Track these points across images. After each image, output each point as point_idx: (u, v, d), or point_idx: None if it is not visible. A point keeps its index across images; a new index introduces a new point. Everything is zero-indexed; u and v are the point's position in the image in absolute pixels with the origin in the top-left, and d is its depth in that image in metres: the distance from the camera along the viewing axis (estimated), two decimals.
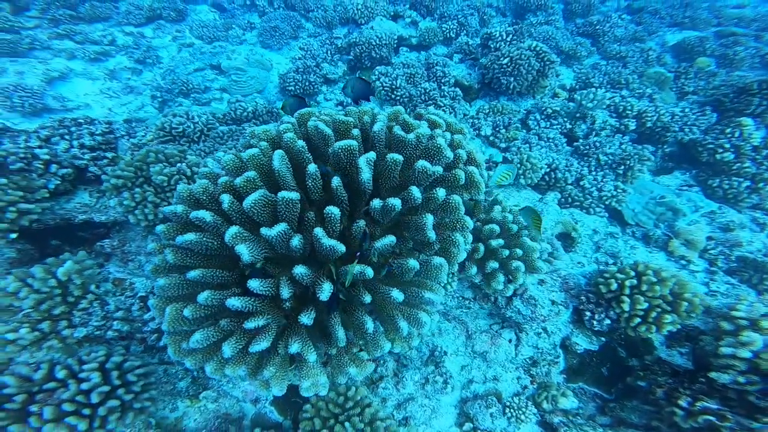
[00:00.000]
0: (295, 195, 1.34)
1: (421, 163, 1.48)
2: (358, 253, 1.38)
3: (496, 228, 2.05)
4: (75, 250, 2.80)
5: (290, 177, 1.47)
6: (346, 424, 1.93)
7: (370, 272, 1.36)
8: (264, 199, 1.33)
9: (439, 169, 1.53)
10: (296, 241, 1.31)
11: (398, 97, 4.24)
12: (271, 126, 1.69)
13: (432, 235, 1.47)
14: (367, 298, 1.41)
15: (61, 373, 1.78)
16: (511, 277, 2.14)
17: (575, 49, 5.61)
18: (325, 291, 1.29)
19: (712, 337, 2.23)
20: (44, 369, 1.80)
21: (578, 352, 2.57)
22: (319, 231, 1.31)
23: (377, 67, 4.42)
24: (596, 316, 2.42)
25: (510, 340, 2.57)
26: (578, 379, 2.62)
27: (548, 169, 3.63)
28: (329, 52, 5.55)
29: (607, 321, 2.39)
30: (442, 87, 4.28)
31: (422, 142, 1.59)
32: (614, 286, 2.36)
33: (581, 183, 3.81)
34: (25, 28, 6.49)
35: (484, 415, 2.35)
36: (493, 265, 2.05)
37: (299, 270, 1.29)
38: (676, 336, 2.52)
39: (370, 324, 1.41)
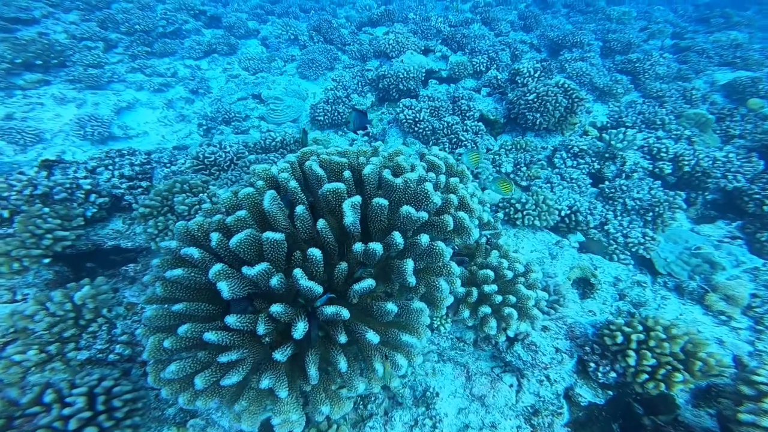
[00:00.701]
0: (279, 236, 1.41)
1: (406, 209, 1.51)
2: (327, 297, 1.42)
3: (491, 273, 2.03)
4: (105, 273, 3.05)
5: (282, 216, 1.55)
6: None
7: (346, 314, 1.39)
8: (250, 239, 1.41)
9: (424, 215, 1.55)
10: (275, 280, 1.37)
11: (421, 130, 4.33)
12: (277, 164, 1.80)
13: (412, 280, 1.49)
14: (342, 339, 1.43)
15: (48, 397, 1.86)
16: (504, 324, 2.09)
17: (611, 86, 5.48)
18: (299, 330, 1.33)
19: (730, 401, 2.00)
20: (33, 393, 1.88)
21: (583, 404, 2.43)
22: (297, 272, 1.36)
23: (402, 101, 4.57)
24: (601, 368, 2.32)
25: (511, 385, 2.46)
26: None
27: (569, 211, 3.50)
28: (360, 83, 5.82)
29: (613, 374, 2.28)
30: (466, 121, 4.32)
31: (410, 186, 1.62)
32: (620, 339, 2.26)
33: (605, 227, 3.63)
34: (109, 63, 7.37)
35: None
36: (486, 310, 2.03)
37: (276, 308, 1.34)
38: (703, 395, 2.29)
39: (343, 363, 1.43)
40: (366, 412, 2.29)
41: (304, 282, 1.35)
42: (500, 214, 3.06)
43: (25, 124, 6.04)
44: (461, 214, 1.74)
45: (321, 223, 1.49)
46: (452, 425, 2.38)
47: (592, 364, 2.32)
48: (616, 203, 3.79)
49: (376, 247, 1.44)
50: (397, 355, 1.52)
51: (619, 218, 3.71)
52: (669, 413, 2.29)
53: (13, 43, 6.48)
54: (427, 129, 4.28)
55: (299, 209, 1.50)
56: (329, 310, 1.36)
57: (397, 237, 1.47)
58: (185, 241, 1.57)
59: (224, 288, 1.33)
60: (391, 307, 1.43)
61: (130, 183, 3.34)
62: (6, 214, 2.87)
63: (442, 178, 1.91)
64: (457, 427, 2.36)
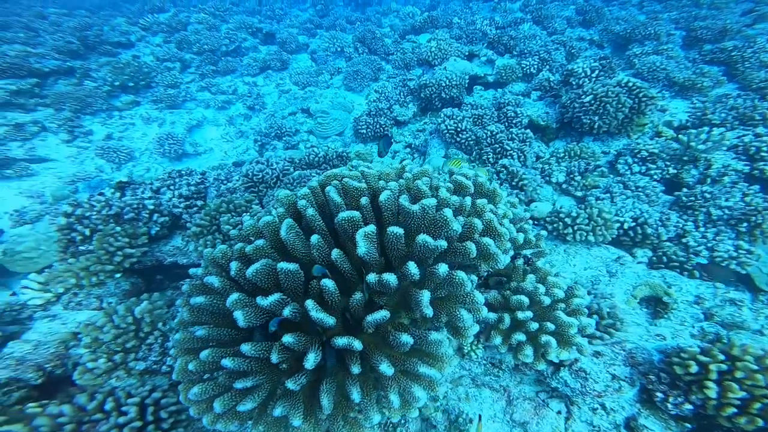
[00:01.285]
0: (293, 266, 1.44)
1: (422, 238, 1.47)
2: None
3: (525, 300, 1.89)
4: (171, 285, 3.40)
5: (300, 244, 1.60)
6: None
7: (358, 345, 1.38)
8: (266, 269, 1.47)
9: (442, 244, 1.50)
10: (288, 310, 1.41)
11: (463, 140, 4.21)
12: (298, 192, 1.86)
13: (428, 311, 1.44)
14: (356, 369, 1.42)
15: (108, 405, 2.11)
16: (542, 351, 1.95)
17: (694, 79, 4.85)
18: (309, 361, 1.35)
19: None
20: (97, 400, 2.14)
21: None
22: (309, 303, 1.39)
23: (443, 110, 4.48)
24: (671, 399, 2.08)
25: (559, 412, 2.28)
26: None
27: (633, 224, 3.14)
28: (401, 93, 5.84)
29: (689, 406, 2.03)
30: (512, 129, 4.11)
31: (428, 213, 1.58)
32: (695, 369, 2.02)
33: (683, 240, 3.19)
34: (184, 83, 8.29)
35: None
36: (519, 337, 1.90)
37: (287, 339, 1.38)
38: None
39: (356, 395, 1.42)
40: None
41: (315, 314, 1.37)
42: (544, 233, 2.86)
43: (120, 143, 6.97)
44: (486, 240, 1.64)
45: (335, 253, 1.50)
46: None
47: (659, 394, 2.09)
48: (697, 213, 3.33)
49: (390, 278, 1.41)
50: (414, 387, 1.48)
51: (702, 230, 3.24)
52: None
53: (114, 66, 7.52)
54: (470, 139, 4.15)
55: (314, 239, 1.53)
56: (341, 341, 1.36)
57: (412, 268, 1.44)
58: (212, 268, 1.68)
59: (240, 317, 1.39)
60: (406, 339, 1.40)
61: (187, 202, 3.70)
62: (87, 232, 3.33)
63: (468, 200, 1.82)
64: None
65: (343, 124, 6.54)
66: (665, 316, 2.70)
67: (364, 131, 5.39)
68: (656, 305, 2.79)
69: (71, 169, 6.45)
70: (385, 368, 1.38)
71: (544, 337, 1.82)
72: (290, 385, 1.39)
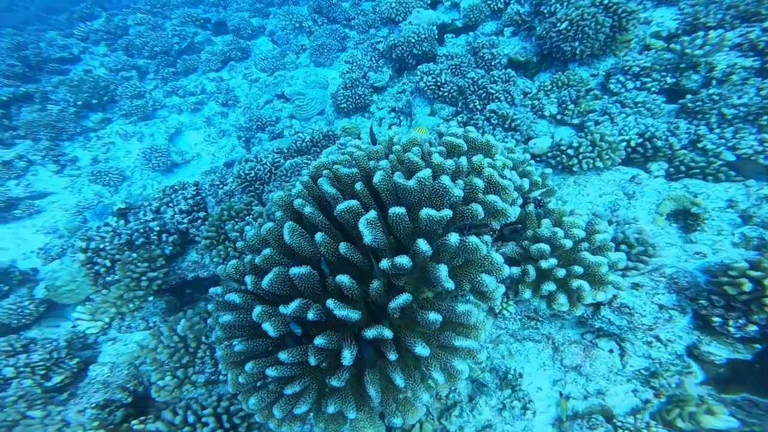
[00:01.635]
0: (305, 269, 1.42)
1: (425, 212, 1.42)
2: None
3: (545, 247, 1.80)
4: (201, 297, 3.44)
5: (307, 245, 1.56)
6: None
7: (388, 333, 1.37)
8: (280, 277, 1.44)
9: (447, 213, 1.44)
10: (312, 313, 1.39)
11: (446, 94, 4.03)
12: (292, 190, 1.79)
13: (449, 285, 1.41)
14: (392, 356, 1.41)
15: (190, 418, 2.22)
16: (577, 296, 1.86)
17: None
18: (346, 358, 1.35)
19: None
20: (180, 414, 2.27)
21: (719, 362, 2.11)
22: (330, 302, 1.37)
23: (419, 67, 4.26)
24: (732, 322, 1.97)
25: (611, 351, 2.24)
26: (736, 389, 2.09)
27: (640, 140, 3.03)
28: (373, 59, 5.55)
29: (754, 327, 1.92)
30: (492, 72, 3.91)
31: (426, 185, 1.51)
32: (749, 287, 1.88)
33: (699, 145, 3.06)
34: (147, 90, 7.90)
35: None
36: (549, 287, 1.82)
37: (319, 341, 1.37)
38: None
39: (399, 380, 1.42)
40: (450, 401, 2.31)
41: (339, 312, 1.35)
42: (549, 170, 2.74)
43: (108, 165, 6.83)
44: (490, 198, 1.59)
45: (343, 246, 1.46)
46: (550, 398, 2.26)
47: (716, 319, 2.00)
48: (708, 116, 3.18)
49: (403, 261, 1.38)
50: (455, 360, 1.46)
51: (718, 131, 3.10)
52: None
53: (69, 85, 7.21)
54: (452, 90, 3.96)
55: (318, 237, 1.48)
56: (370, 333, 1.35)
57: (422, 245, 1.40)
58: (230, 283, 1.67)
59: (269, 328, 1.39)
60: (434, 317, 1.37)
61: (189, 216, 3.65)
62: (108, 263, 3.33)
63: (463, 160, 1.74)
64: (556, 400, 2.25)
65: (322, 101, 6.30)
66: (698, 228, 2.54)
67: (345, 105, 5.18)
68: (686, 218, 2.63)
69: (72, 199, 6.39)
70: (421, 350, 1.36)
71: (575, 282, 1.75)
72: (335, 382, 1.39)
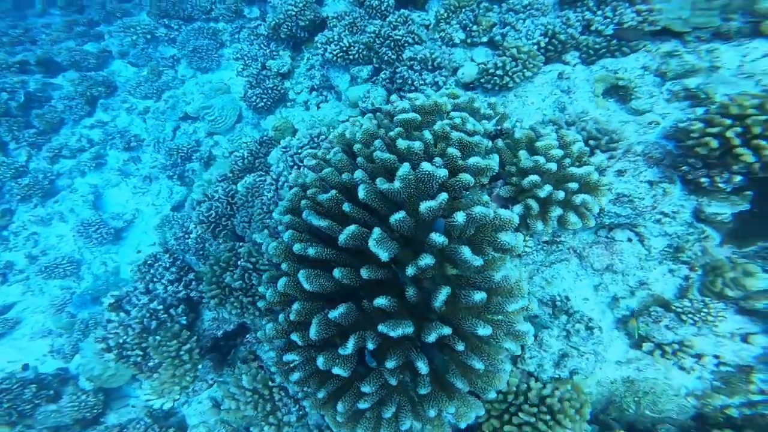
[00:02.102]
0: (343, 309, 1.40)
1: (424, 207, 1.41)
2: None
3: (536, 178, 1.75)
4: (240, 343, 3.30)
5: (328, 283, 1.50)
6: (520, 414, 1.93)
7: (447, 330, 1.36)
8: (323, 324, 1.43)
9: (444, 197, 1.43)
10: (371, 344, 1.40)
11: (356, 55, 3.75)
12: (284, 235, 1.68)
13: (477, 262, 1.39)
14: (461, 347, 1.40)
15: None
16: (584, 210, 1.81)
17: None
18: (422, 369, 1.36)
19: None
20: None
21: (726, 220, 2.10)
22: (383, 328, 1.34)
23: (316, 38, 3.87)
24: (718, 179, 1.95)
25: (630, 239, 2.15)
26: (751, 240, 2.10)
27: (546, 39, 3.06)
28: (262, 46, 4.95)
29: (738, 177, 1.92)
30: (387, 18, 3.64)
31: (410, 180, 1.48)
32: (716, 144, 1.86)
33: (592, 28, 3.12)
34: (22, 163, 6.54)
35: (659, 330, 2.07)
36: (556, 212, 1.78)
37: (390, 364, 1.38)
38: None
39: (479, 365, 1.42)
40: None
41: (395, 332, 1.32)
42: (493, 99, 2.68)
43: (49, 258, 6.01)
44: (471, 161, 1.58)
45: (365, 272, 1.42)
46: (599, 303, 2.16)
47: (703, 180, 1.98)
48: (585, 1, 3.19)
49: (427, 261, 1.37)
50: (517, 324, 1.47)
51: (600, 12, 3.13)
52: None
53: None
54: (361, 50, 3.69)
55: (337, 273, 1.44)
56: (432, 337, 1.34)
57: (437, 238, 1.39)
58: (277, 341, 1.63)
59: (341, 371, 1.40)
60: (479, 296, 1.36)
61: (181, 283, 3.39)
62: (140, 352, 3.17)
63: (428, 135, 1.69)
64: (607, 305, 2.17)
65: (234, 106, 5.68)
66: (633, 97, 2.57)
67: (261, 103, 4.72)
68: (618, 93, 2.68)
69: (41, 301, 5.75)
70: (483, 331, 1.35)
71: (578, 198, 1.73)
72: (422, 391, 1.42)
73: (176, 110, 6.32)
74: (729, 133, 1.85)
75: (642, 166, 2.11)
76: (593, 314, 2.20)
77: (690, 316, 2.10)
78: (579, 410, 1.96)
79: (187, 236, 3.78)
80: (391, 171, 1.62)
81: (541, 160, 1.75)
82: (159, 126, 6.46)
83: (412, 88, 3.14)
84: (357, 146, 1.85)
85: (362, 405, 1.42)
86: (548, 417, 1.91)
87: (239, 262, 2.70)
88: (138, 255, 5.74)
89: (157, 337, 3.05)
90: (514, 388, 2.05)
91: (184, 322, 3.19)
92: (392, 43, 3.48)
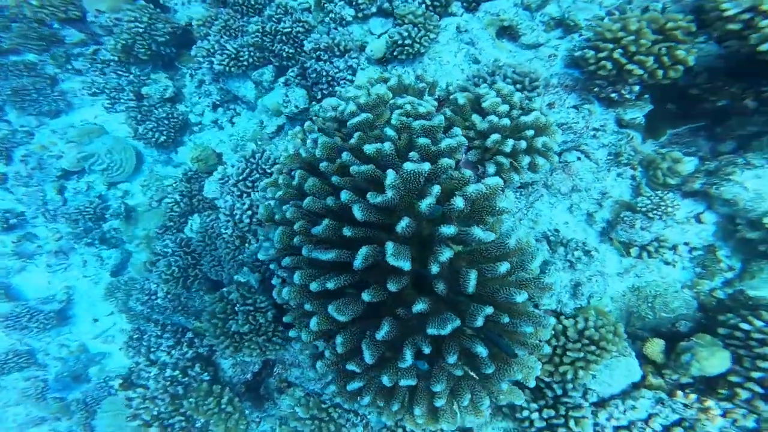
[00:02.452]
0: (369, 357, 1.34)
1: (425, 204, 1.35)
2: None
3: (496, 136, 1.72)
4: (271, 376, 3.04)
5: (349, 310, 1.41)
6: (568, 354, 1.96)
7: (489, 310, 1.33)
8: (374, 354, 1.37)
9: (437, 189, 1.38)
10: (426, 349, 1.37)
11: (249, 59, 3.19)
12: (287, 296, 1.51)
13: (490, 237, 1.35)
14: (506, 319, 1.37)
15: None
16: (545, 149, 1.82)
17: None
18: (482, 352, 1.33)
19: None
20: None
21: (641, 122, 2.28)
22: (432, 330, 1.29)
23: (192, 52, 3.15)
24: (624, 91, 2.11)
25: (579, 158, 2.24)
26: (663, 132, 2.30)
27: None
28: (118, 73, 3.89)
29: (636, 88, 2.12)
30: (258, 8, 3.12)
31: (400, 188, 1.41)
32: (610, 65, 1.99)
33: None
34: None
35: (637, 233, 2.15)
36: (526, 160, 1.77)
37: (450, 359, 1.35)
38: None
39: (528, 328, 1.40)
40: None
41: (445, 330, 1.28)
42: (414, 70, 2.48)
43: None
44: (444, 144, 1.51)
45: (392, 285, 1.36)
46: (581, 227, 2.22)
47: (613, 95, 2.14)
48: None
49: (447, 255, 1.33)
50: (544, 280, 1.46)
51: None
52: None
53: None
54: (252, 53, 3.15)
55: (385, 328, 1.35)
56: (480, 320, 1.31)
57: (446, 230, 1.34)
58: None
59: (409, 382, 1.39)
60: (504, 268, 1.33)
61: (182, 344, 3.00)
62: (182, 417, 2.87)
63: (389, 131, 1.58)
64: (585, 221, 2.22)
65: (125, 146, 4.59)
66: (521, 34, 2.56)
67: (163, 137, 3.87)
68: (507, 33, 2.65)
69: (10, 395, 4.86)
70: (520, 297, 1.32)
71: (538, 143, 1.75)
72: (488, 371, 1.39)
73: (47, 169, 4.90)
74: (615, 55, 2.04)
75: (564, 95, 2.22)
76: (576, 235, 2.27)
77: (654, 212, 2.18)
78: (615, 332, 2.01)
79: (154, 298, 3.21)
80: (371, 180, 1.49)
81: (494, 119, 1.75)
82: (35, 193, 5.00)
83: (330, 78, 2.81)
84: (323, 164, 1.67)
85: (439, 402, 1.43)
86: (593, 347, 1.95)
87: (237, 308, 2.39)
88: (98, 324, 4.99)
89: (191, 401, 2.79)
90: (552, 331, 2.03)
91: (208, 377, 2.93)
92: (284, 37, 3.01)
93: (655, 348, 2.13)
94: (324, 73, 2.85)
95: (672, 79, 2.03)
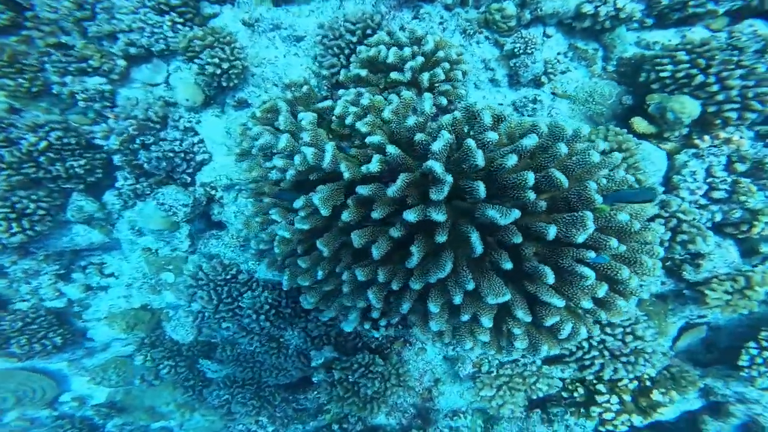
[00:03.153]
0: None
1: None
2: None
3: (439, 72, 1.74)
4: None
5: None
6: None
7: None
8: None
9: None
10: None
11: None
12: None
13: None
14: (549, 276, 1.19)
15: None
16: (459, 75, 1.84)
17: None
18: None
19: None
20: None
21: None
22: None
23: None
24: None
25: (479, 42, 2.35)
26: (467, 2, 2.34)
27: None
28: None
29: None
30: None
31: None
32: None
33: None
34: None
35: (532, 68, 2.26)
36: (446, 87, 1.82)
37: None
38: None
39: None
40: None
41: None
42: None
43: None
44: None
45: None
46: (493, 97, 2.35)
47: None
48: None
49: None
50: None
51: None
52: None
53: None
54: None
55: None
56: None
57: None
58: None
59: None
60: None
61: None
62: None
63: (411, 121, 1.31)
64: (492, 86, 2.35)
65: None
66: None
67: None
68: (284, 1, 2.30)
69: None
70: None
71: (458, 70, 1.83)
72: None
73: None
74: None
75: (396, 13, 2.17)
76: (495, 100, 2.42)
77: (528, 48, 2.26)
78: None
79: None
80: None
81: (420, 60, 1.75)
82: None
83: (182, 153, 2.06)
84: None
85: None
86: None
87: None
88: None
89: None
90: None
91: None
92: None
93: (640, 124, 2.14)
94: (169, 154, 2.10)
95: None
